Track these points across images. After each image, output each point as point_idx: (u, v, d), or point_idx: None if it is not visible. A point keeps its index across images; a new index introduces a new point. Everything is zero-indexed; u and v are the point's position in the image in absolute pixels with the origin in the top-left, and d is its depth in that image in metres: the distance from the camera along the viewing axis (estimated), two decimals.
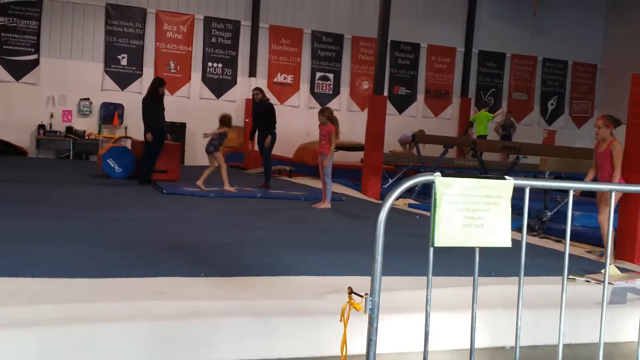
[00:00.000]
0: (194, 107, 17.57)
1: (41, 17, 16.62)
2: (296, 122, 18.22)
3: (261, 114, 11.23)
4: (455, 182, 2.34)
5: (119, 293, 3.75)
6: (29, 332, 3.07)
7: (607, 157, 6.50)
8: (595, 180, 6.60)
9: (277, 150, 16.41)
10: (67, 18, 16.85)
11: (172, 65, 17.64)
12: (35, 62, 16.63)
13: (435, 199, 2.31)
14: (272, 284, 4.29)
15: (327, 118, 9.08)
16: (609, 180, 6.43)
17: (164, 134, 11.10)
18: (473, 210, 2.36)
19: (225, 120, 10.33)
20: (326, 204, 9.29)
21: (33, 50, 16.60)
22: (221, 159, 10.41)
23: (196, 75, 17.94)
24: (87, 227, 6.17)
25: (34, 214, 6.75)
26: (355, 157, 16.52)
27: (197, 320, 3.41)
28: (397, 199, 2.35)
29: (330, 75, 19.30)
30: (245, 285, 4.22)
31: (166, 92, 11.78)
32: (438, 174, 2.34)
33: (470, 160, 14.42)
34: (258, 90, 11.59)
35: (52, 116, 16.78)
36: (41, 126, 16.65)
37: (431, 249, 2.37)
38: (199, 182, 10.21)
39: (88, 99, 17.10)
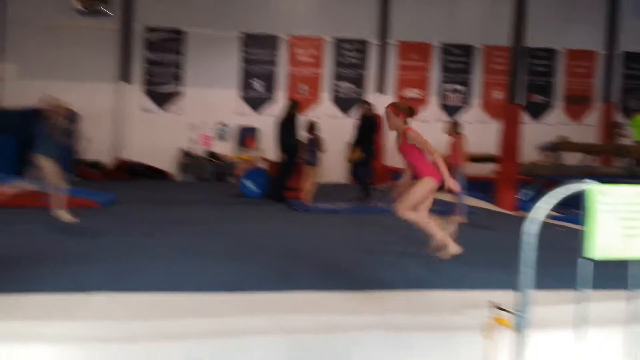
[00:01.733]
0: (325, 127, 17.91)
1: (183, 49, 17.79)
2: (426, 137, 17.99)
3: (366, 128, 11.37)
4: (612, 190, 2.17)
5: (259, 307, 3.85)
6: (176, 345, 3.21)
7: (412, 150, 5.77)
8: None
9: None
10: (206, 49, 17.87)
11: (303, 88, 18.15)
12: (178, 92, 17.81)
13: (589, 209, 2.15)
14: (407, 298, 4.22)
15: (453, 130, 8.98)
16: (427, 171, 5.68)
17: (297, 153, 11.39)
18: (634, 219, 2.17)
19: (311, 127, 10.62)
20: (459, 218, 9.06)
21: (175, 81, 17.79)
22: (316, 172, 10.54)
23: (326, 95, 18.32)
24: (227, 243, 6.42)
25: (179, 233, 7.14)
26: (488, 169, 16.02)
27: (335, 334, 3.41)
28: (549, 209, 2.21)
29: (461, 87, 18.92)
30: (380, 299, 4.18)
31: (300, 113, 12.10)
32: (591, 182, 2.18)
33: (616, 167, 13.42)
34: (366, 103, 11.82)
35: (193, 141, 17.85)
36: (183, 151, 17.76)
37: (584, 261, 2.20)
38: (306, 198, 10.29)
39: (226, 124, 18.02)
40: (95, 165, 17.26)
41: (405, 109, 5.96)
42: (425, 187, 5.70)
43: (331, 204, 10.64)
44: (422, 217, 5.82)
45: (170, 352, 3.18)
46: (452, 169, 9.05)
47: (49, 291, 4.01)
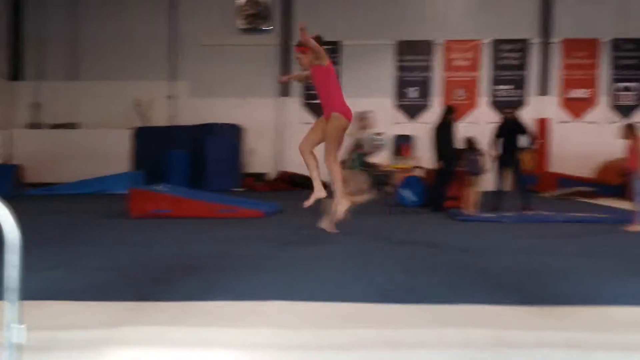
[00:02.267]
0: (483, 132, 17.42)
1: (339, 61, 18.18)
2: (595, 139, 16.86)
3: (512, 132, 10.95)
4: None
5: (429, 319, 3.77)
6: (347, 356, 3.23)
7: (323, 79, 5.29)
8: None
9: (573, 170, 15.34)
10: (361, 59, 18.14)
11: (459, 93, 17.77)
12: None
13: None
14: (589, 314, 3.92)
15: (629, 132, 8.30)
16: (336, 106, 5.34)
17: (455, 161, 11.14)
18: None
19: (470, 143, 10.42)
20: (638, 226, 8.32)
21: None
22: (479, 181, 10.21)
23: (483, 99, 17.79)
24: (388, 254, 6.39)
25: (341, 242, 7.23)
26: None
27: (511, 350, 3.24)
28: None
29: (635, 85, 17.48)
30: (559, 315, 3.91)
31: (456, 119, 11.90)
32: None
33: None
34: (509, 108, 11.59)
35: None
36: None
37: None
38: (471, 209, 10.03)
39: (382, 133, 18.09)
40: (259, 177, 18.14)
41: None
42: (337, 125, 5.35)
43: (493, 213, 10.28)
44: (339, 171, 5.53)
45: None
46: (631, 174, 8.35)
47: (223, 298, 4.22)
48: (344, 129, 5.37)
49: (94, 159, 17.30)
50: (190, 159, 16.90)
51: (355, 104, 18.94)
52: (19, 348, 2.24)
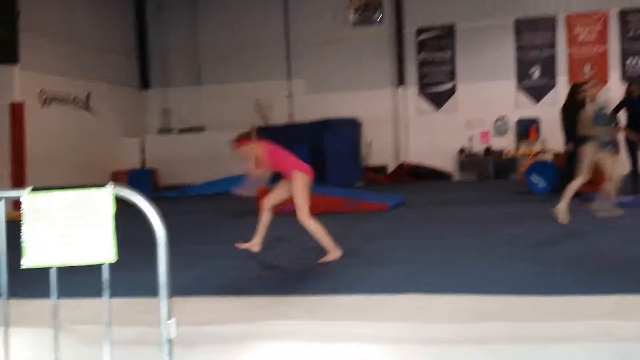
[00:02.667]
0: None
1: (454, 46, 17.76)
2: None
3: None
4: None
5: (566, 312, 3.59)
6: (482, 350, 3.14)
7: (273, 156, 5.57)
8: None
9: None
10: (478, 42, 17.60)
11: (587, 69, 16.79)
12: (452, 90, 17.80)
13: None
14: None
15: None
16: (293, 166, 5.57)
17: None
18: None
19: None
20: None
21: (449, 79, 17.82)
22: (617, 161, 9.41)
23: (614, 74, 16.68)
24: (518, 243, 6.16)
25: (469, 233, 7.08)
26: None
27: None
28: None
29: None
30: None
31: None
32: None
33: None
34: (632, 84, 10.70)
35: (470, 139, 17.65)
36: (461, 150, 17.65)
37: None
38: (610, 193, 9.33)
39: (503, 118, 17.48)
40: (379, 170, 18.10)
41: (244, 136, 5.70)
42: (300, 184, 5.45)
43: (631, 196, 9.61)
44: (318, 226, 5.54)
45: (470, 356, 3.12)
46: None
47: (354, 292, 4.25)
48: (307, 185, 5.53)
49: (220, 160, 18.04)
50: (311, 155, 17.18)
51: (474, 89, 18.54)
52: (172, 343, 2.38)
